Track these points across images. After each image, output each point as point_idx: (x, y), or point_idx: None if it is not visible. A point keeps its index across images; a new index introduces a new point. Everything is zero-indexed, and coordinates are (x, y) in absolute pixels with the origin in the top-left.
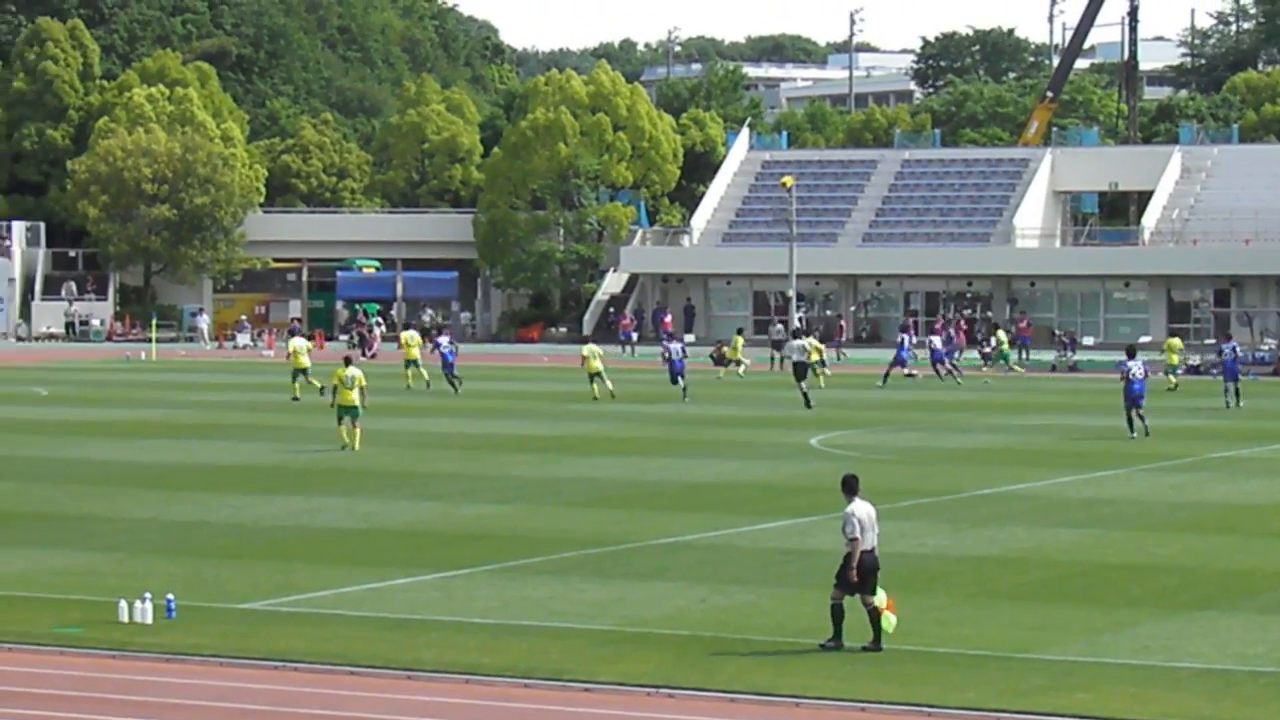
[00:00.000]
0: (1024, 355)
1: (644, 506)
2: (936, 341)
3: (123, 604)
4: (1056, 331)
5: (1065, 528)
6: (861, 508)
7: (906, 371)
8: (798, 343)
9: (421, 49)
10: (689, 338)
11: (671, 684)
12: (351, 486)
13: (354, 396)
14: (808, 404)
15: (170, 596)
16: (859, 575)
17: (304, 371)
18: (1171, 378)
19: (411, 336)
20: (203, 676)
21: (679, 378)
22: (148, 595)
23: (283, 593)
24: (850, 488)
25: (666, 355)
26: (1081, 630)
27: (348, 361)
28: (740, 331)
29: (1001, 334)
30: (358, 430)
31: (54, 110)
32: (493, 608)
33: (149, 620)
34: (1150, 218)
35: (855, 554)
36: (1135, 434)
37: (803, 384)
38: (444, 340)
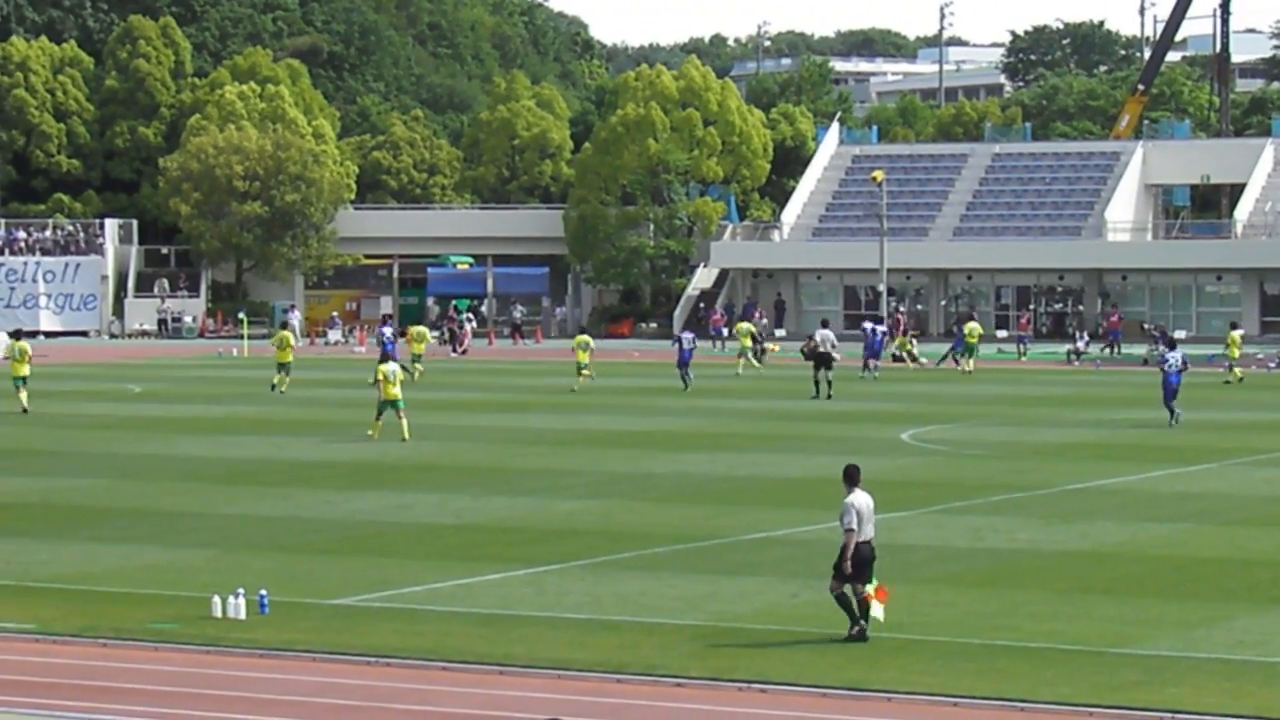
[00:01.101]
0: (1115, 349)
1: (735, 501)
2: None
3: (216, 600)
4: (1147, 325)
5: (1157, 522)
6: (860, 498)
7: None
8: (826, 332)
9: (511, 45)
10: (779, 332)
11: (763, 679)
12: (444, 482)
13: (396, 391)
14: (817, 394)
15: (263, 592)
16: (854, 565)
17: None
18: (1237, 370)
19: (420, 332)
20: (296, 672)
21: (682, 366)
22: (241, 591)
23: (375, 588)
24: (850, 478)
25: (678, 344)
26: (1174, 625)
27: (386, 358)
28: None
29: (973, 325)
30: (404, 420)
31: (146, 108)
32: (584, 603)
33: (243, 616)
34: (1242, 211)
35: (850, 544)
36: (1174, 423)
37: (827, 373)
38: (386, 330)
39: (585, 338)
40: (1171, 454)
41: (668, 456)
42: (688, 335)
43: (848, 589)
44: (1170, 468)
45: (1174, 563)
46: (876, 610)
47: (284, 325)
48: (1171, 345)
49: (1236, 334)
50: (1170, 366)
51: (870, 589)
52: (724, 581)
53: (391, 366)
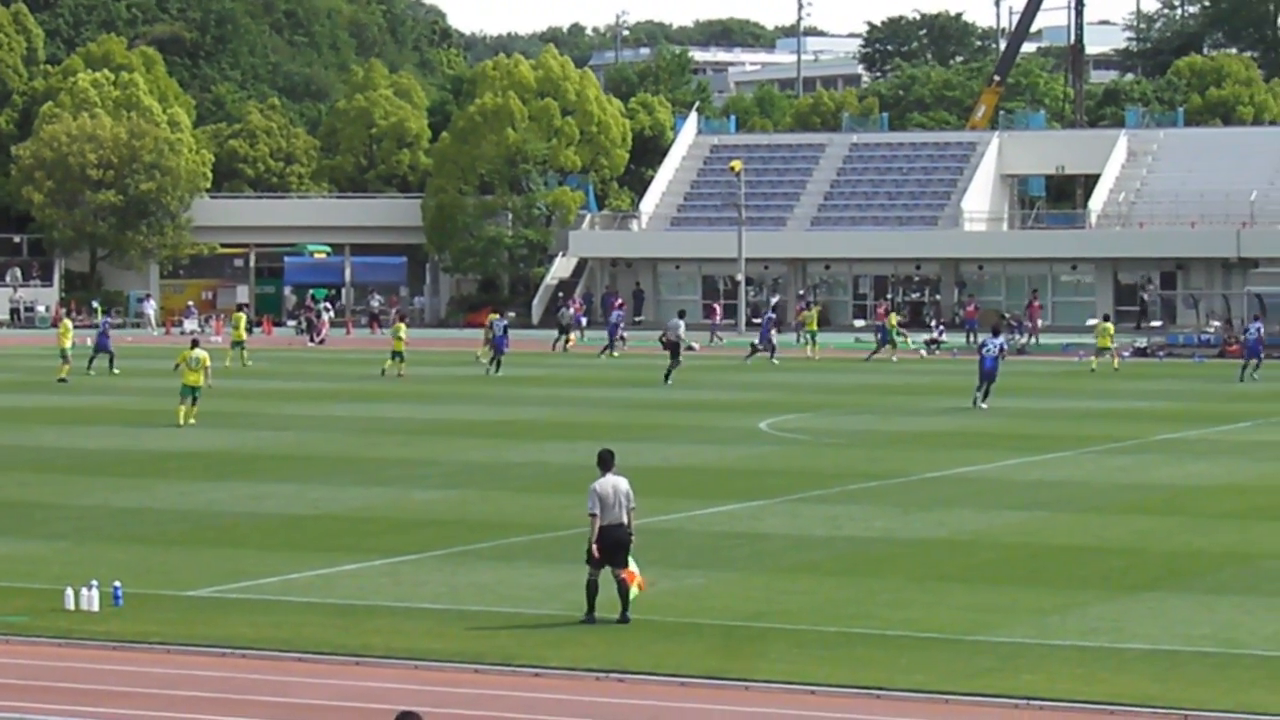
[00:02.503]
0: (971, 339)
1: (577, 491)
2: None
3: (69, 591)
4: (1006, 315)
5: (1012, 510)
6: (606, 483)
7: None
8: (677, 322)
9: (369, 33)
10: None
11: (621, 668)
12: (300, 472)
13: (197, 378)
14: (666, 379)
15: (117, 584)
16: (606, 549)
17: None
18: (1115, 360)
19: (238, 319)
20: (150, 664)
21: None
22: (94, 583)
23: (231, 579)
24: (602, 463)
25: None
26: (1029, 612)
27: (195, 344)
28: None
29: (894, 317)
30: (195, 408)
31: None
32: (441, 593)
33: (96, 608)
34: (1097, 201)
35: (593, 530)
36: (984, 405)
37: (674, 362)
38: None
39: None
40: (1027, 442)
41: (526, 446)
42: (501, 322)
43: (603, 575)
44: (1025, 456)
45: (1029, 550)
46: (634, 593)
47: (65, 314)
48: (995, 332)
49: (1109, 325)
50: (988, 351)
51: (633, 569)
52: (582, 571)
53: (197, 353)
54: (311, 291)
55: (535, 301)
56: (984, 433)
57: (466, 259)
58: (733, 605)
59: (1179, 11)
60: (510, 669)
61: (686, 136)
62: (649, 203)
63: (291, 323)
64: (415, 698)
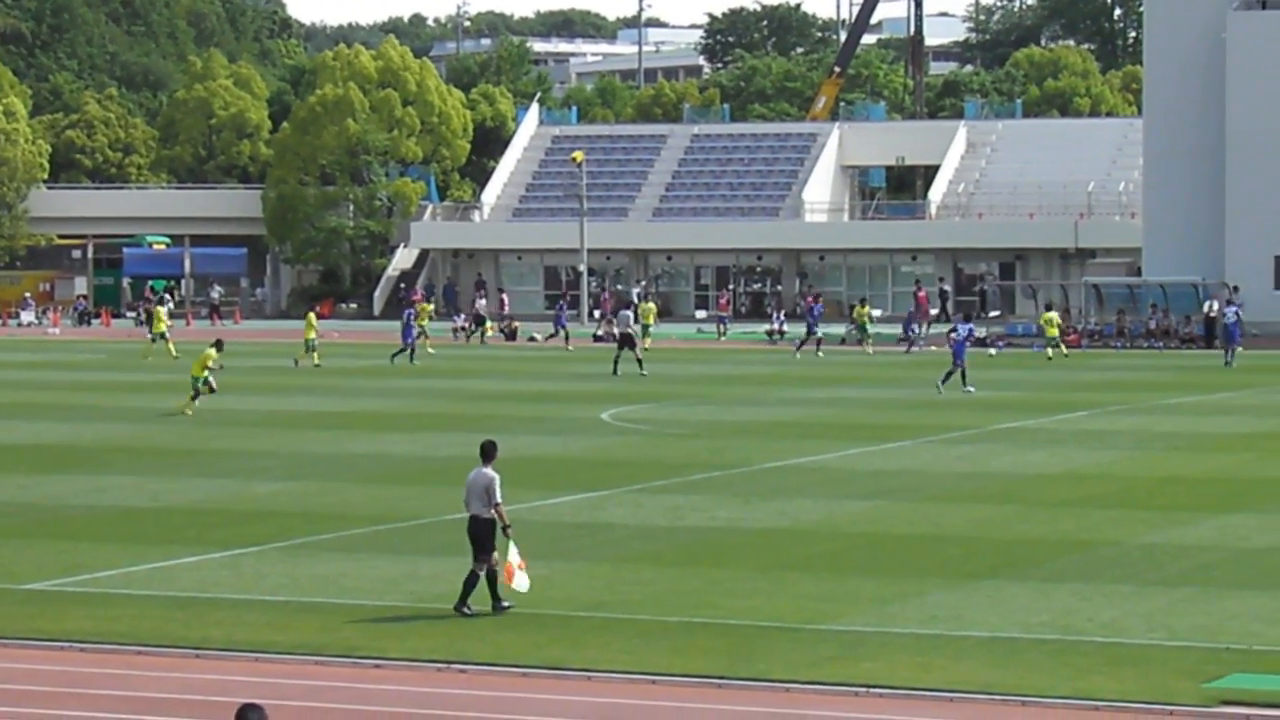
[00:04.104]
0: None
1: (435, 482)
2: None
3: None
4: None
5: (853, 499)
6: (473, 475)
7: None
8: (627, 313)
9: (207, 23)
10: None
11: (463, 659)
12: (139, 464)
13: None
14: (640, 368)
15: None
16: (470, 541)
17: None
18: (1061, 348)
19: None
20: None
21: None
22: None
23: (69, 572)
24: (481, 453)
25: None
26: (869, 600)
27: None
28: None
29: (864, 309)
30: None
31: None
32: (282, 585)
33: None
34: (936, 192)
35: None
36: (970, 389)
37: (634, 351)
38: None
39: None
40: (867, 432)
41: (368, 437)
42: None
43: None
44: (866, 445)
45: (869, 539)
46: (519, 583)
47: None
48: (966, 319)
49: (1053, 314)
50: (957, 335)
51: (512, 559)
52: (424, 562)
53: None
54: (150, 283)
55: (377, 293)
56: (825, 423)
57: (308, 250)
58: (576, 595)
59: (1017, 4)
60: (352, 661)
61: (528, 127)
62: (491, 194)
63: (130, 314)
64: (256, 690)
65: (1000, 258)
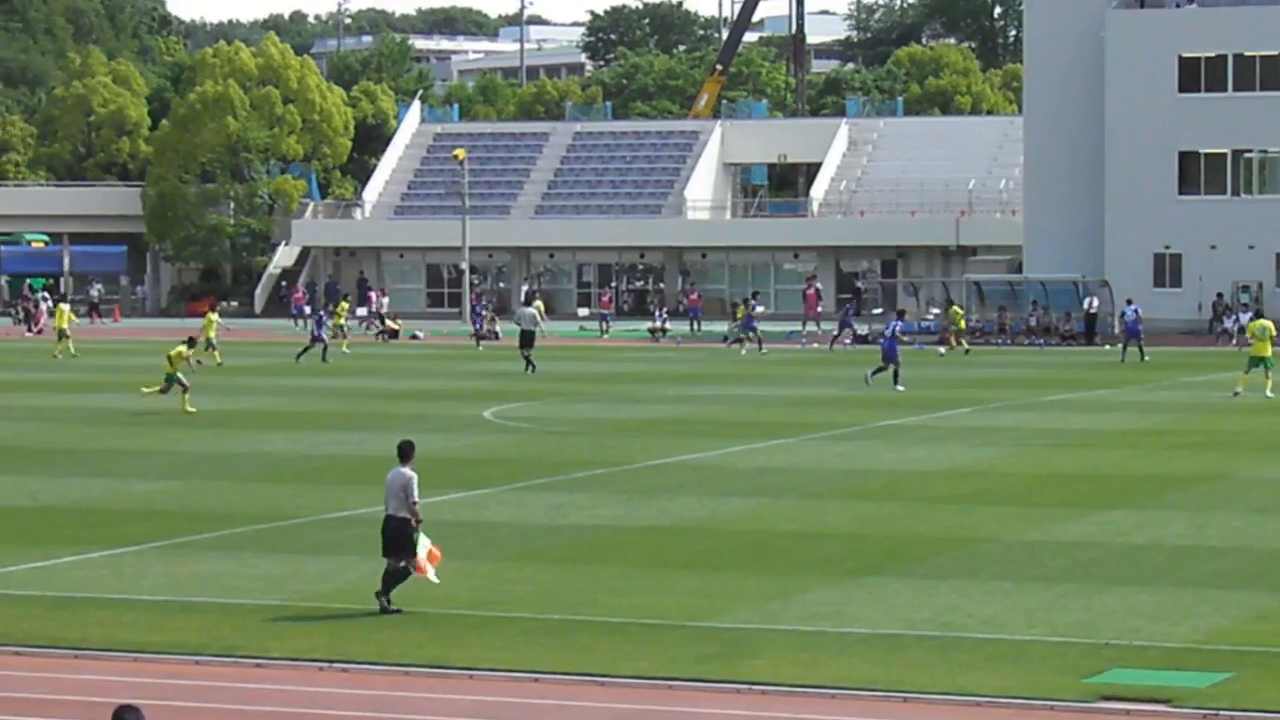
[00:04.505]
0: (695, 326)
1: (316, 480)
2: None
3: None
4: (738, 303)
5: (736, 496)
6: (392, 475)
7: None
8: (528, 311)
9: (86, 20)
10: (361, 311)
11: (345, 658)
12: (17, 463)
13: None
14: (530, 368)
15: None
16: (384, 541)
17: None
18: (963, 341)
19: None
20: None
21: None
22: None
23: None
24: (399, 453)
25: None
26: (752, 598)
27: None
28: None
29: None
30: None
31: None
32: (162, 585)
33: None
34: (818, 190)
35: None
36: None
37: (527, 351)
38: None
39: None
40: (750, 429)
41: (249, 436)
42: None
43: (402, 565)
44: (749, 443)
45: (752, 536)
46: (431, 576)
47: None
48: (900, 315)
49: (957, 309)
50: (889, 332)
51: (421, 558)
52: (305, 561)
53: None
54: (29, 281)
55: (258, 291)
56: (708, 420)
57: (188, 248)
58: (458, 594)
59: (898, 2)
60: (232, 660)
61: (410, 125)
62: (372, 191)
63: (9, 313)
64: (135, 691)
65: (882, 255)
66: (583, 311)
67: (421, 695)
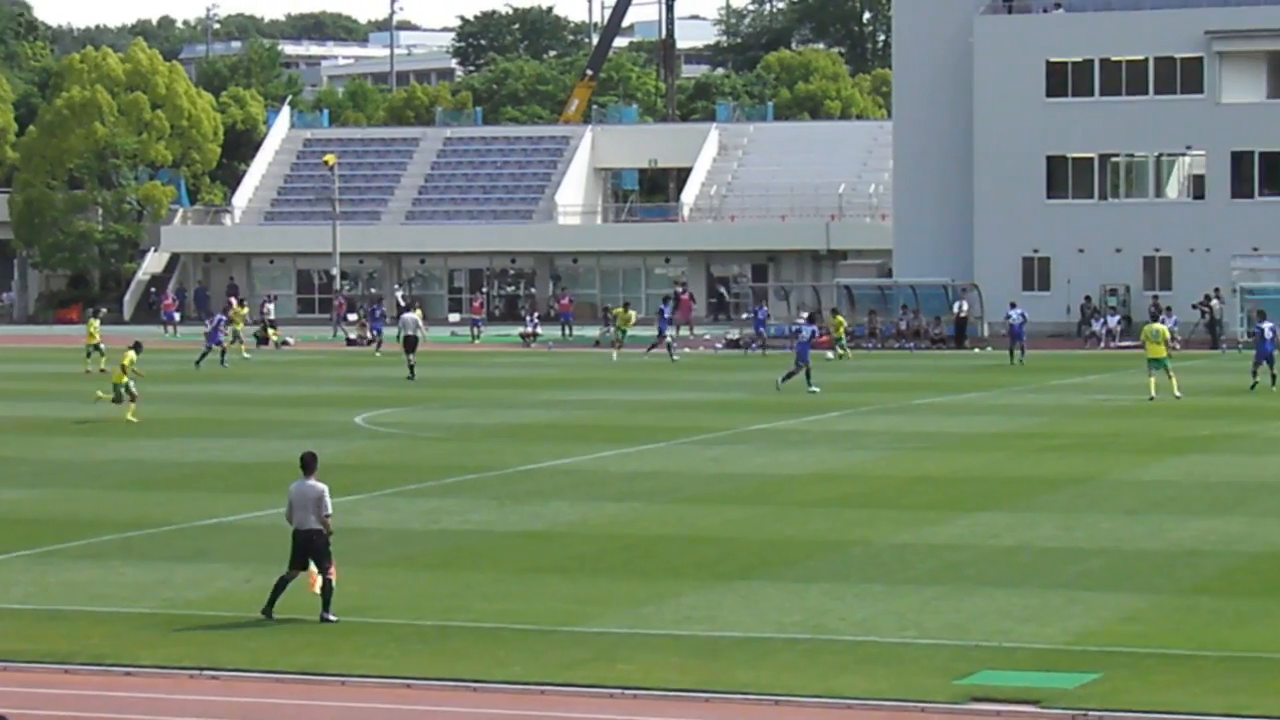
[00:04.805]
0: (566, 331)
1: (187, 488)
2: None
3: None
4: (608, 308)
5: (608, 501)
6: (297, 488)
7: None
8: (410, 316)
9: None
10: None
11: (216, 666)
12: None
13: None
14: (411, 374)
15: None
16: (292, 553)
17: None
18: (843, 351)
19: None
20: None
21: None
22: None
23: None
24: (302, 465)
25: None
26: (624, 602)
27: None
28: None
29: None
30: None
31: None
32: (30, 593)
33: None
34: (689, 194)
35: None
36: (814, 389)
37: (411, 356)
38: None
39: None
40: (622, 434)
41: (118, 443)
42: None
43: (300, 576)
44: (621, 448)
45: (624, 541)
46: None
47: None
48: (810, 319)
49: (840, 318)
50: (801, 336)
51: (312, 573)
52: (176, 568)
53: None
54: None
55: (127, 297)
56: (580, 425)
57: (56, 254)
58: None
59: (768, 7)
60: (102, 669)
61: (279, 130)
62: (242, 197)
63: None
64: (4, 700)
65: (753, 259)
66: (454, 317)
67: (293, 702)
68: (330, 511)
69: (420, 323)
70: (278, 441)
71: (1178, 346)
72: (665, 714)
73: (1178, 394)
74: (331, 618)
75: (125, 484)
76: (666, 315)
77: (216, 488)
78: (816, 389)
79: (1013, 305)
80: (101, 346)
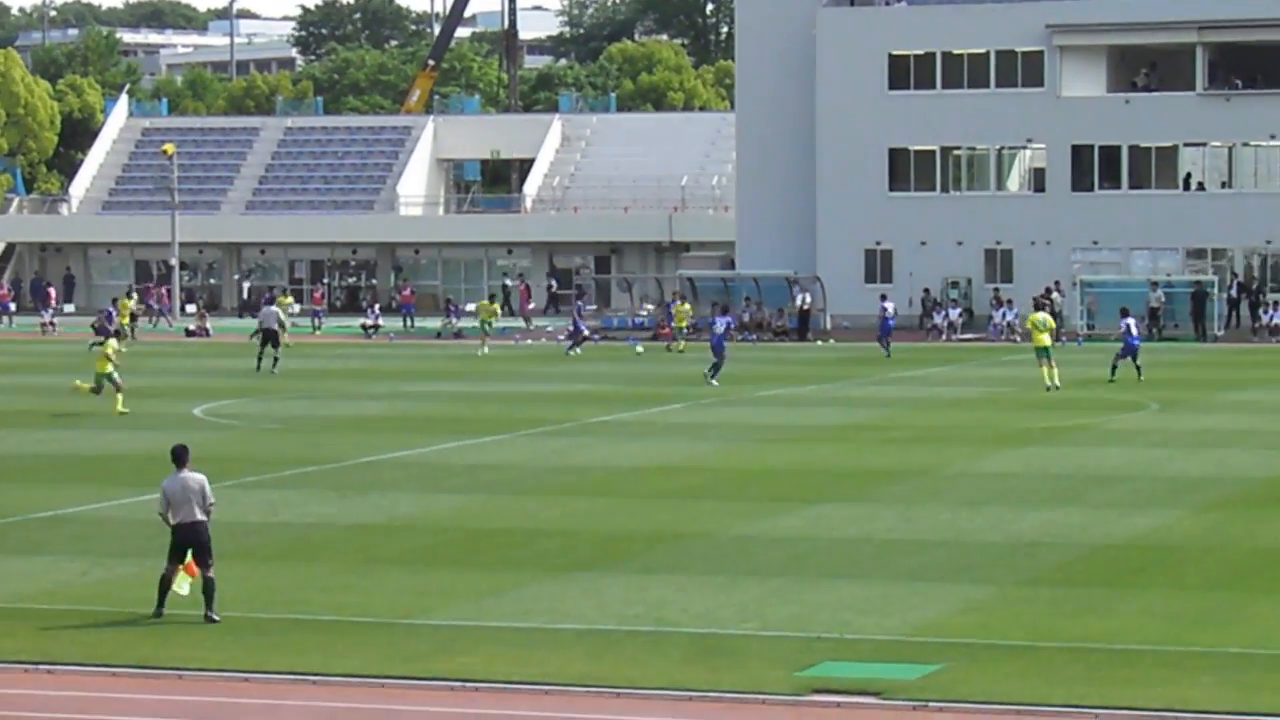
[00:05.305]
0: (408, 323)
1: (23, 479)
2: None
3: None
4: (450, 299)
5: (449, 493)
6: (176, 481)
7: None
8: (272, 309)
9: None
10: (69, 307)
11: (51, 659)
12: None
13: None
14: (273, 367)
15: None
16: (176, 546)
17: None
18: (681, 343)
19: None
20: None
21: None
22: None
23: None
24: (175, 459)
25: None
26: (465, 594)
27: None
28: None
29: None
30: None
31: None
32: None
33: None
34: (532, 185)
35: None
36: (714, 382)
37: (276, 350)
38: None
39: None
40: (463, 426)
41: None
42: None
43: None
44: (461, 439)
45: (466, 533)
46: (181, 587)
47: None
48: (724, 311)
49: (686, 307)
50: (715, 329)
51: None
52: (11, 561)
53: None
54: None
55: None
56: (420, 416)
57: None
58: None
59: None
60: None
61: (117, 119)
62: (79, 186)
63: None
64: None
65: (596, 251)
66: (295, 308)
67: (129, 696)
68: (214, 501)
69: (281, 316)
70: (115, 433)
71: (1064, 338)
72: (506, 706)
73: (1056, 384)
74: (215, 617)
75: None
76: (581, 312)
77: (53, 480)
78: (715, 383)
79: (884, 297)
80: None
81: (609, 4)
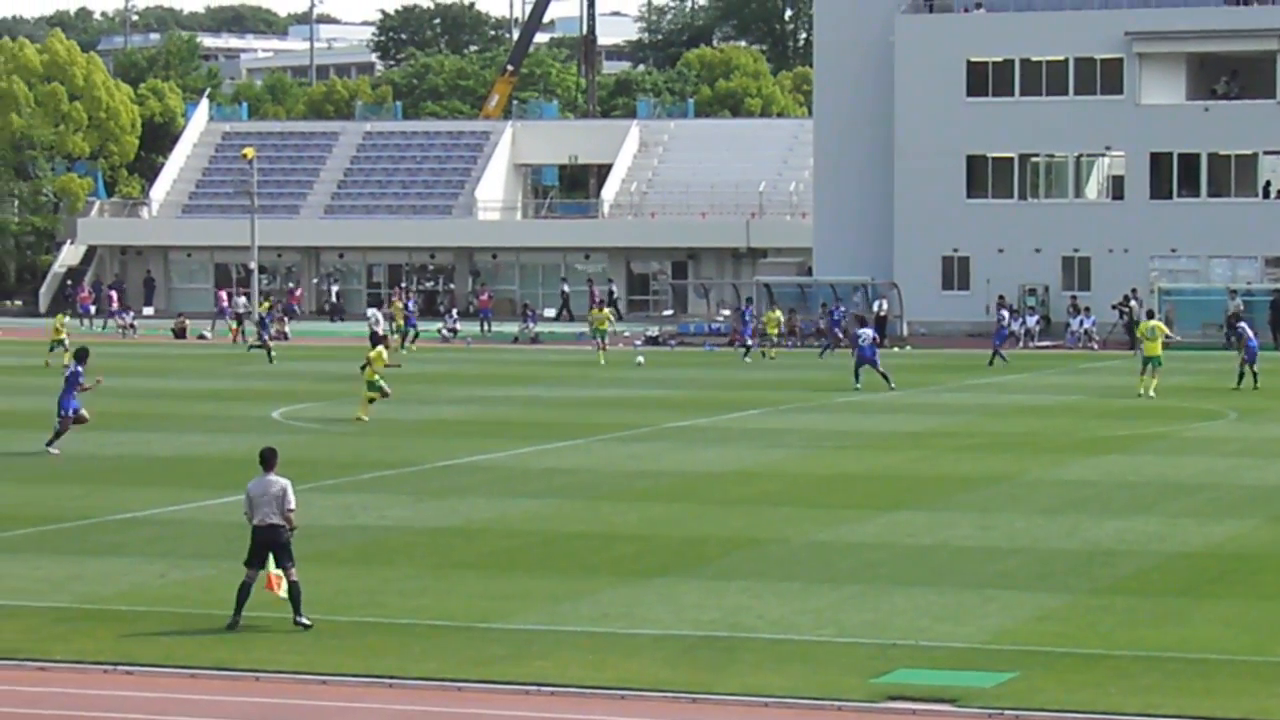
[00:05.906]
0: (486, 327)
1: (103, 481)
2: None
3: None
4: (527, 304)
5: (525, 497)
6: (259, 484)
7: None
8: (375, 312)
9: None
10: (148, 310)
11: (130, 660)
12: None
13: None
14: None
15: None
16: (252, 550)
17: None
18: (772, 351)
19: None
20: None
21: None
22: None
23: None
24: (262, 461)
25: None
26: (541, 599)
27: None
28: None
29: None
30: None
31: None
32: None
33: None
34: (609, 191)
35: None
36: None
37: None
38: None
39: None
40: (540, 430)
41: (32, 436)
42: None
43: (258, 577)
44: (539, 444)
45: (542, 537)
46: (282, 591)
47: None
48: (863, 323)
49: (776, 314)
50: (862, 340)
51: (270, 573)
52: (90, 562)
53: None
54: None
55: (43, 290)
56: (498, 421)
57: None
58: None
59: (689, 4)
60: (15, 664)
61: (198, 123)
62: (160, 190)
63: None
64: None
65: (673, 256)
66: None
67: (208, 698)
68: (294, 506)
69: (380, 319)
70: (193, 435)
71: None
72: (581, 711)
73: (1151, 394)
74: (305, 621)
75: (41, 478)
76: (748, 318)
77: (132, 481)
78: (860, 386)
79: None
80: (65, 342)
81: (687, 10)
